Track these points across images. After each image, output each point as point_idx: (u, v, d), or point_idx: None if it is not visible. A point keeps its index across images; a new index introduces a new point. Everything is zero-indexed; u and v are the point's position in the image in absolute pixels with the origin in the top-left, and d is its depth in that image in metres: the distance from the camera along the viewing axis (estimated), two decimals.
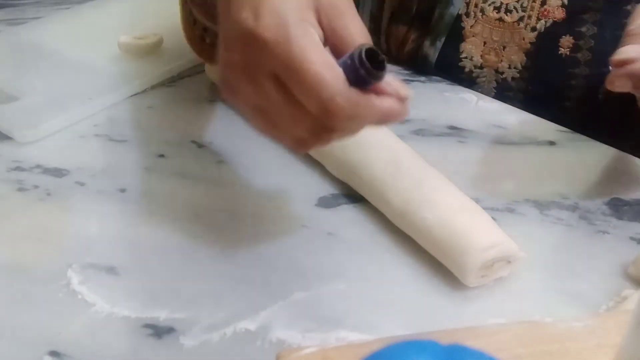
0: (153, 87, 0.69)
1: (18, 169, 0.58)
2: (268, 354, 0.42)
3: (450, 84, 0.70)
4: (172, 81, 0.70)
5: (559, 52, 0.66)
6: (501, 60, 0.68)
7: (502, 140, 0.62)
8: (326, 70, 0.37)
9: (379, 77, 0.39)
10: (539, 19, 0.65)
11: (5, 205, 0.55)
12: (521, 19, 0.66)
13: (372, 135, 0.54)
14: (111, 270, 0.48)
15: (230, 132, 0.62)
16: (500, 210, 0.54)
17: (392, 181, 0.51)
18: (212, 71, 0.67)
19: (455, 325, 0.43)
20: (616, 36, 0.65)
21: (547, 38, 0.66)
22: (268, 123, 0.42)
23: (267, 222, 0.53)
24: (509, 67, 0.68)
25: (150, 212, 0.54)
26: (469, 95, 0.68)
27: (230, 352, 0.43)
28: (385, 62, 0.38)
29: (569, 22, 0.65)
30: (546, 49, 0.67)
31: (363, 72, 0.38)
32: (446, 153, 0.59)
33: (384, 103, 0.39)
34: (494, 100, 0.67)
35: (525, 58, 0.67)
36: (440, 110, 0.66)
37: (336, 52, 0.40)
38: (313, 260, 0.49)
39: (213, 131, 0.63)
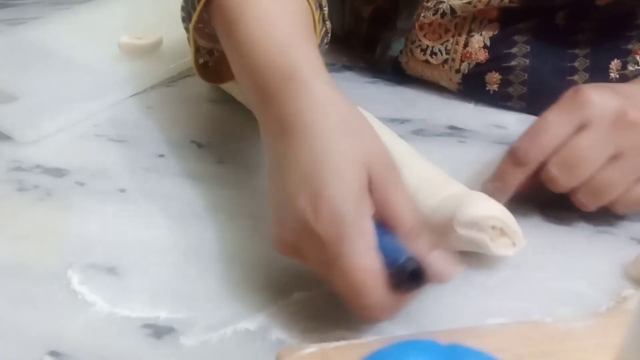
0: (153, 87, 0.69)
1: (18, 169, 0.58)
2: (268, 354, 0.42)
3: None
4: (172, 81, 0.70)
5: (487, 89, 0.66)
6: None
7: (502, 140, 0.62)
8: (370, 279, 0.40)
9: (418, 290, 0.42)
10: (462, 61, 0.65)
11: (5, 205, 0.55)
12: (445, 61, 0.66)
13: None
14: (111, 270, 0.48)
15: (230, 132, 0.63)
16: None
17: None
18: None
19: (455, 325, 0.43)
20: (558, 67, 0.63)
21: (473, 78, 0.65)
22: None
23: (267, 222, 0.53)
24: None
25: (150, 212, 0.54)
26: None
27: (230, 352, 0.43)
28: (425, 278, 0.41)
29: (494, 62, 0.64)
30: (474, 87, 0.66)
31: (405, 287, 0.41)
32: (446, 153, 0.59)
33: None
34: None
35: (456, 94, 0.67)
36: (440, 110, 0.66)
37: (384, 221, 0.42)
38: None
39: (213, 131, 0.63)
